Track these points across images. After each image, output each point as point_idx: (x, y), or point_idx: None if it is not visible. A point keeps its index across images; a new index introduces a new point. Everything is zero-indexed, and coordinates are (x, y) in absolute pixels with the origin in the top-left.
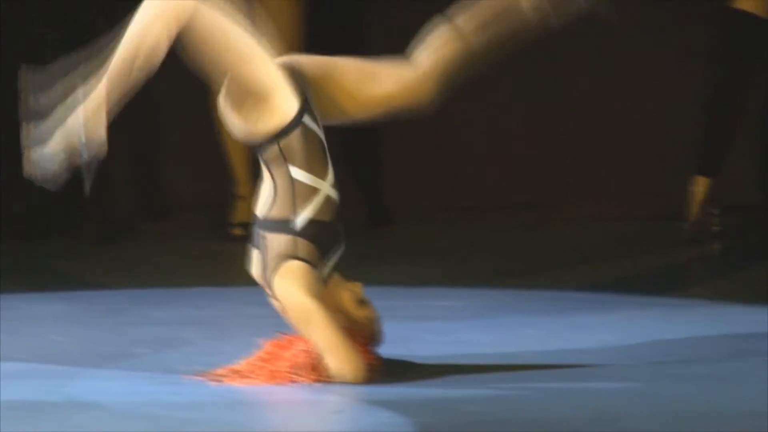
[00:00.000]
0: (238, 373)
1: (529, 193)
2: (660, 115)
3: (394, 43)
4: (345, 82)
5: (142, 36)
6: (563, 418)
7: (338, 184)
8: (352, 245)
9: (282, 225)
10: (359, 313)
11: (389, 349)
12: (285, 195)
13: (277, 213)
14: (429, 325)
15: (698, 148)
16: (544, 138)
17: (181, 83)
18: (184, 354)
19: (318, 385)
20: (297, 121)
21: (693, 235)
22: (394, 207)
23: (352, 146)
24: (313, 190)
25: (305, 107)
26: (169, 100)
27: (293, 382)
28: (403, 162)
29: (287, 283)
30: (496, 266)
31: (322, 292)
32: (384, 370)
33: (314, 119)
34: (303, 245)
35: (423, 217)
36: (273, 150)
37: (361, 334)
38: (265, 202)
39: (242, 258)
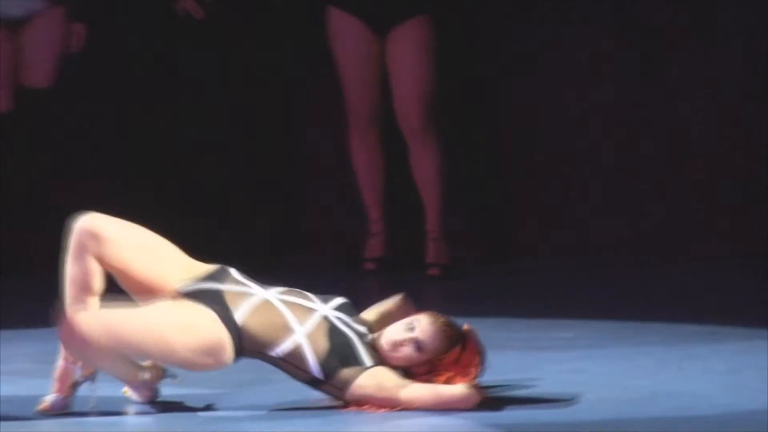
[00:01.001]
0: (367, 401)
1: (635, 231)
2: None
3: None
4: None
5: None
6: None
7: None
8: (474, 281)
9: (317, 384)
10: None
11: (512, 376)
12: (291, 368)
13: (304, 380)
14: (548, 355)
15: None
16: (647, 176)
17: (321, 117)
18: None
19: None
20: (235, 331)
21: None
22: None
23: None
24: (297, 346)
25: (225, 309)
26: (309, 134)
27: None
28: (519, 200)
29: (375, 400)
30: (608, 300)
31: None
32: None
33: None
34: (341, 377)
35: (539, 254)
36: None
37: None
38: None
39: (372, 291)
